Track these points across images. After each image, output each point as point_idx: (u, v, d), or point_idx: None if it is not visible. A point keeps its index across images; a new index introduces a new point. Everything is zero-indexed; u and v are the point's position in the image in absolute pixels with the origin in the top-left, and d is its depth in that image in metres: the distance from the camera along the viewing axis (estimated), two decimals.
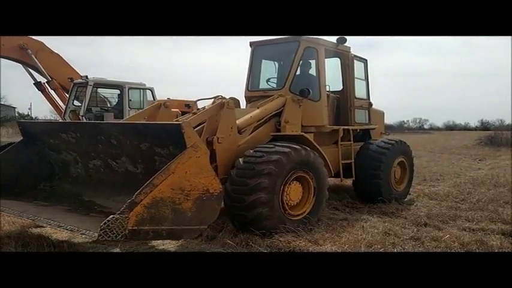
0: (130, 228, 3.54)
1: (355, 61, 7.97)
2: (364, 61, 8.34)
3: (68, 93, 13.57)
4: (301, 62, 7.18)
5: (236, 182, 5.19)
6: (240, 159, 5.34)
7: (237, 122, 5.88)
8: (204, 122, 5.63)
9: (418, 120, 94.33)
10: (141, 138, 4.60)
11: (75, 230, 3.72)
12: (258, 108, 6.37)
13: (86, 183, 5.59)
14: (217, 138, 5.41)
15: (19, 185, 5.63)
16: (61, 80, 13.65)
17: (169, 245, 5.10)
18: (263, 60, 7.75)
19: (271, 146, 5.43)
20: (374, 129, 8.83)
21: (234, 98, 7.25)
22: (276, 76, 7.61)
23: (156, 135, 4.46)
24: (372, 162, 7.52)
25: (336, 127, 7.43)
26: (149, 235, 3.73)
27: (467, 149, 23.35)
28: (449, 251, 4.88)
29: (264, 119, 6.35)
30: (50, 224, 3.99)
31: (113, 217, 3.46)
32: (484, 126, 76.22)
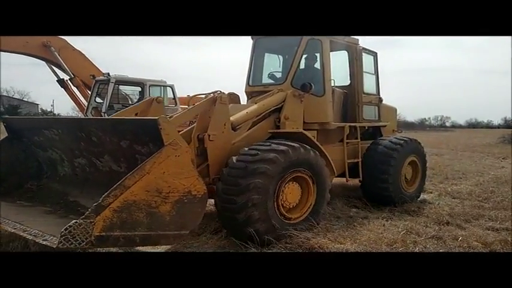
0: (97, 234, 3.23)
1: (363, 54, 7.54)
2: (374, 54, 7.89)
3: (90, 90, 13.69)
4: (305, 55, 6.80)
5: (228, 181, 4.85)
6: (234, 158, 4.99)
7: (232, 118, 5.53)
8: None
9: (439, 118, 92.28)
10: (120, 135, 4.28)
11: (38, 235, 3.42)
12: (255, 103, 6.01)
13: (73, 183, 5.31)
14: (209, 135, 5.06)
15: (5, 184, 5.39)
16: (83, 77, 13.80)
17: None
18: (266, 54, 7.37)
19: (267, 144, 5.07)
20: (385, 126, 8.38)
21: (233, 93, 6.92)
22: (280, 70, 7.22)
23: (135, 132, 4.14)
24: (379, 164, 7.08)
25: (341, 124, 7.01)
26: (120, 241, 3.41)
27: (490, 147, 22.77)
28: (471, 250, 4.77)
29: (263, 115, 5.98)
30: (15, 228, 3.70)
31: (76, 222, 3.15)
32: (507, 124, 73.86)
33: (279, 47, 7.27)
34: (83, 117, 12.56)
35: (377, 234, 5.25)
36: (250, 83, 7.11)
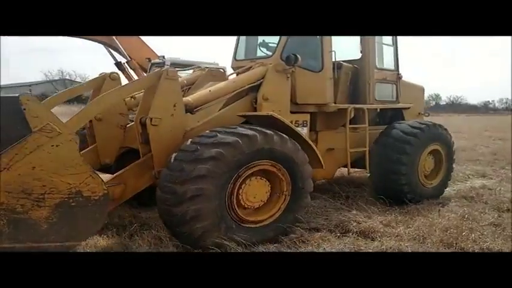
0: None
1: None
2: None
3: (146, 73, 13.79)
4: None
5: (163, 187, 3.90)
6: (173, 155, 4.01)
7: (189, 98, 4.56)
8: None
9: (505, 100, 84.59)
10: None
11: None
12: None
13: None
14: (151, 119, 4.12)
15: None
16: (139, 60, 13.93)
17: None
18: None
19: (212, 134, 4.03)
20: (407, 108, 7.06)
21: (217, 69, 5.94)
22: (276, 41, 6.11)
23: (5, 113, 3.24)
24: (391, 152, 5.85)
25: (343, 106, 5.82)
26: None
27: None
28: None
29: (236, 95, 4.94)
30: None
31: None
32: None
33: None
34: None
35: (431, 220, 5.08)
36: (237, 56, 6.06)
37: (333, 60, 5.77)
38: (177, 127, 4.31)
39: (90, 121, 4.95)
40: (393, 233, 4.62)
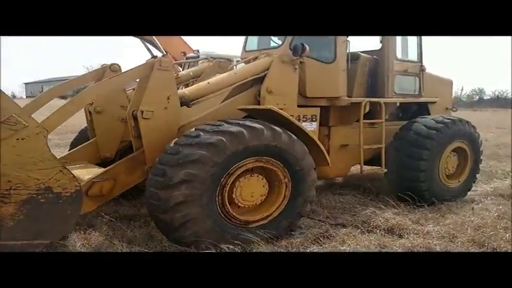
0: None
1: None
2: None
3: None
4: None
5: (148, 193, 3.70)
6: (158, 157, 3.79)
7: (185, 90, 4.35)
8: None
9: None
10: None
11: None
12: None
13: None
14: (142, 111, 3.93)
15: None
16: (175, 54, 14.12)
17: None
18: None
19: (195, 133, 3.73)
20: (434, 103, 6.62)
21: (226, 60, 5.71)
22: None
23: None
24: (411, 147, 5.47)
25: (356, 100, 5.47)
26: None
27: None
28: None
29: (238, 87, 4.69)
30: None
31: None
32: None
33: None
34: None
35: (463, 218, 4.86)
36: (248, 47, 5.80)
37: (348, 50, 5.43)
38: (171, 121, 4.11)
39: (90, 114, 4.85)
40: (422, 230, 4.48)
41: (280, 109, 4.65)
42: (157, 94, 4.00)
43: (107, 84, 4.07)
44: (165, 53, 13.55)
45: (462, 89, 52.11)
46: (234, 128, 3.74)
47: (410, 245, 4.05)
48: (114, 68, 4.79)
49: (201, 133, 3.73)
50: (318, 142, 4.53)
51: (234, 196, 3.90)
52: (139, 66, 4.06)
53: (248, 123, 3.89)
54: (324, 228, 4.50)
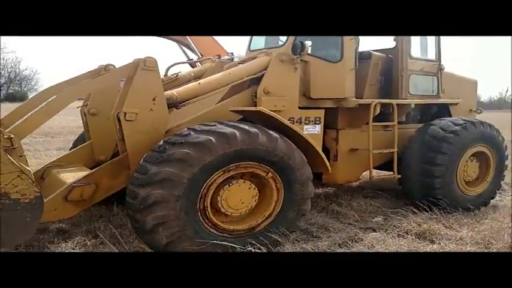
0: None
1: None
2: None
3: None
4: None
5: (128, 190, 3.54)
6: (146, 154, 3.61)
7: (173, 91, 4.15)
8: None
9: None
10: None
11: None
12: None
13: None
14: (124, 114, 3.76)
15: None
16: (210, 56, 14.77)
17: None
18: None
19: (187, 132, 3.55)
20: (455, 104, 6.18)
21: (227, 61, 5.49)
22: None
23: None
24: (426, 151, 5.10)
25: (365, 101, 5.12)
26: None
27: None
28: None
29: (234, 87, 4.46)
30: None
31: None
32: None
33: None
34: None
35: (501, 223, 4.66)
36: (252, 46, 5.56)
37: (357, 48, 5.10)
38: (158, 123, 3.91)
39: (86, 116, 4.74)
40: (455, 236, 4.32)
41: (279, 111, 4.44)
42: (141, 95, 3.82)
43: (86, 85, 3.92)
44: (200, 55, 14.02)
45: (508, 90, 49.91)
46: (225, 129, 3.53)
47: (441, 250, 3.90)
48: (108, 69, 4.64)
49: (192, 132, 3.55)
50: (316, 146, 4.23)
51: (218, 202, 3.66)
52: (123, 66, 3.89)
53: (243, 126, 3.66)
54: (353, 232, 4.41)
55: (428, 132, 5.24)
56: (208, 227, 3.66)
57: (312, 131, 4.82)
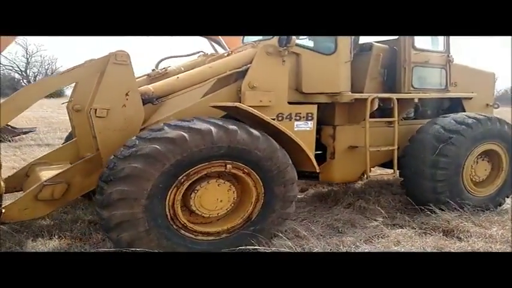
0: None
1: None
2: None
3: None
4: None
5: (98, 186, 3.42)
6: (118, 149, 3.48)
7: (149, 86, 4.00)
8: None
9: None
10: None
11: None
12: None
13: None
14: (95, 110, 3.64)
15: None
16: None
17: None
18: None
19: (160, 127, 3.41)
20: (470, 98, 5.79)
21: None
22: None
23: None
24: (426, 153, 4.77)
25: (361, 95, 4.82)
26: None
27: None
28: None
29: (219, 81, 4.27)
30: None
31: None
32: None
33: None
34: None
35: None
36: (245, 39, 5.35)
37: (356, 39, 4.84)
38: (132, 120, 3.78)
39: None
40: (484, 233, 4.23)
41: (265, 107, 4.23)
42: (113, 90, 3.69)
43: (55, 81, 3.82)
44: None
45: None
46: (201, 125, 3.37)
47: (469, 248, 3.83)
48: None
49: (165, 127, 3.40)
50: (301, 143, 3.98)
51: (191, 202, 3.50)
52: (94, 60, 3.78)
53: (221, 122, 3.49)
54: (379, 228, 4.39)
55: (429, 131, 4.90)
56: (177, 228, 3.50)
57: (304, 128, 4.57)
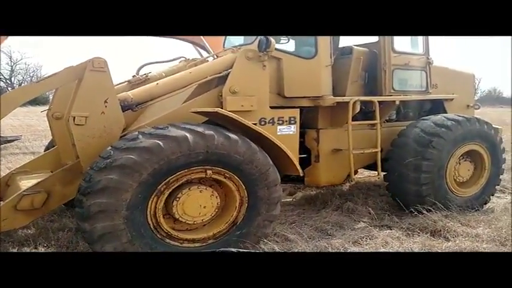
0: None
1: None
2: None
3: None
4: None
5: (76, 199, 3.38)
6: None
7: (128, 93, 3.98)
8: None
9: None
10: None
11: None
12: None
13: None
14: (73, 117, 3.60)
15: None
16: None
17: None
18: None
19: (134, 136, 3.37)
20: (451, 100, 5.85)
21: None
22: None
23: None
24: (408, 157, 4.81)
25: (342, 99, 4.85)
26: None
27: None
28: None
29: (199, 86, 4.26)
30: None
31: None
32: None
33: None
34: None
35: None
36: (226, 44, 5.35)
37: (336, 42, 4.86)
38: (111, 127, 3.73)
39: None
40: (471, 233, 4.30)
41: (247, 112, 4.23)
42: (91, 98, 3.65)
43: (29, 89, 3.78)
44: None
45: None
46: (176, 132, 3.34)
47: (456, 248, 3.88)
48: None
49: (140, 136, 3.37)
50: (284, 148, 3.97)
51: (173, 209, 3.48)
52: (71, 67, 3.73)
53: (197, 128, 3.46)
54: (368, 230, 4.44)
55: (410, 135, 4.94)
56: (161, 237, 3.48)
57: (287, 132, 4.57)
